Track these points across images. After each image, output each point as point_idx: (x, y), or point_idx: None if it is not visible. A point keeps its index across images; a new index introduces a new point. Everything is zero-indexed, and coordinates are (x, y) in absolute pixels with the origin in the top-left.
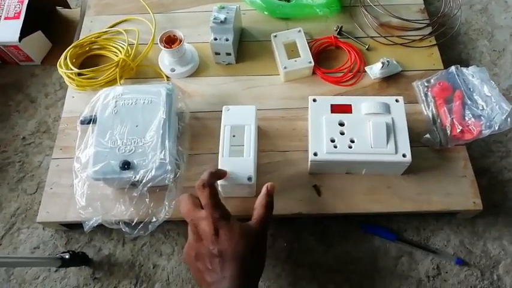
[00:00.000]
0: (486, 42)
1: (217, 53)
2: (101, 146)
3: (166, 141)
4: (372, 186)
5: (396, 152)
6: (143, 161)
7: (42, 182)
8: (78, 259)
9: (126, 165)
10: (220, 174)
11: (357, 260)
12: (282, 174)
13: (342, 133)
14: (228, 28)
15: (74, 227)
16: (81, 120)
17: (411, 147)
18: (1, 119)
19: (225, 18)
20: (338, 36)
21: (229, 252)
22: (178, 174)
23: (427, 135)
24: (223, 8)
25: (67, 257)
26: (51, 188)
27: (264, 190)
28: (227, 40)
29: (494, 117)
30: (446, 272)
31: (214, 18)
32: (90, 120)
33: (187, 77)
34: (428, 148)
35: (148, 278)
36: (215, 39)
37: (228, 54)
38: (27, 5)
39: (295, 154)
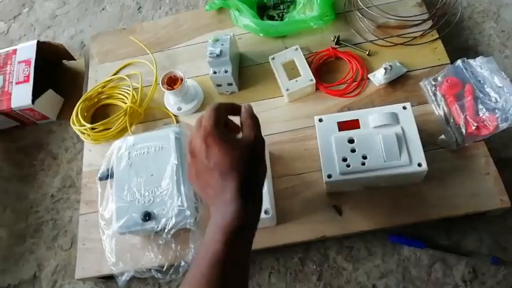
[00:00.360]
0: (493, 24)
1: (219, 85)
2: (120, 200)
3: (182, 187)
4: (393, 197)
5: (411, 163)
6: (163, 210)
7: (76, 236)
8: None
9: (148, 216)
10: (235, 109)
11: (389, 273)
12: (301, 198)
13: (353, 150)
14: (225, 60)
15: (112, 277)
16: (99, 177)
17: (426, 150)
18: (29, 180)
19: (221, 51)
20: (336, 46)
21: (225, 163)
22: (198, 216)
23: (442, 136)
24: (217, 40)
25: None
26: (83, 244)
27: (244, 114)
28: (226, 72)
29: (509, 109)
30: (483, 274)
31: (210, 53)
32: (107, 176)
33: (194, 112)
34: (445, 149)
35: None
36: (214, 72)
37: (230, 84)
38: (35, 66)
39: (311, 175)
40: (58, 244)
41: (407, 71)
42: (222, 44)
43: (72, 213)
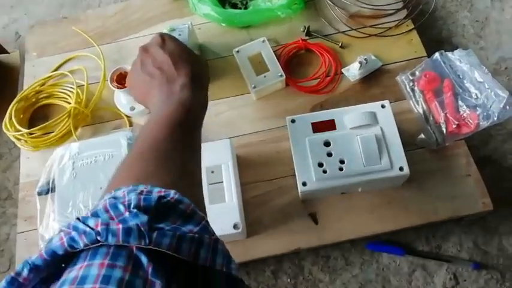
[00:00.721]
0: (467, 13)
1: None
2: (64, 219)
3: None
4: (371, 203)
5: (392, 167)
6: None
7: (14, 256)
8: None
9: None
10: None
11: (367, 283)
12: (273, 206)
13: (330, 154)
14: None
15: None
16: (38, 192)
17: (405, 151)
18: None
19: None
20: (307, 38)
21: (178, 52)
22: None
23: (422, 136)
24: (173, 30)
25: None
26: None
27: None
28: None
29: (491, 106)
30: (465, 280)
31: None
32: (48, 190)
33: (149, 113)
34: (425, 149)
35: None
36: None
37: None
38: None
39: (284, 181)
40: None
41: (382, 65)
42: (180, 34)
43: (9, 230)
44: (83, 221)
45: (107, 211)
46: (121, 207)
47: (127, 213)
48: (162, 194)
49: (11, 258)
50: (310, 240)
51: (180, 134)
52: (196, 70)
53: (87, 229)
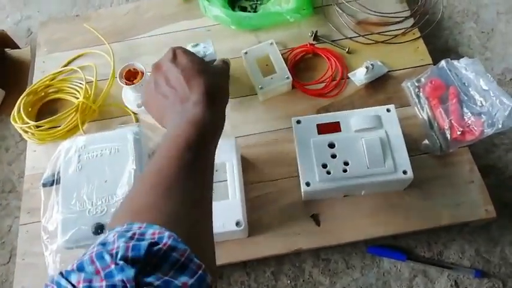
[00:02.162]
0: (473, 24)
1: None
2: (68, 210)
3: None
4: (373, 207)
5: (395, 170)
6: None
7: (15, 249)
8: None
9: (100, 229)
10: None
11: (368, 287)
12: (275, 207)
13: (334, 156)
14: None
15: None
16: (42, 183)
17: (410, 155)
18: None
19: (205, 55)
20: (314, 43)
21: (191, 67)
22: None
23: (426, 141)
24: (197, 45)
25: None
26: (23, 259)
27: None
28: None
29: (495, 114)
30: None
31: None
32: (52, 182)
33: None
34: (428, 155)
35: None
36: None
37: None
38: None
39: (286, 182)
40: None
41: (388, 71)
42: (205, 47)
43: (11, 222)
44: (66, 276)
45: (92, 262)
46: (107, 258)
47: (113, 266)
48: (155, 238)
49: (11, 250)
50: (312, 241)
51: (189, 157)
52: (212, 85)
53: (69, 286)
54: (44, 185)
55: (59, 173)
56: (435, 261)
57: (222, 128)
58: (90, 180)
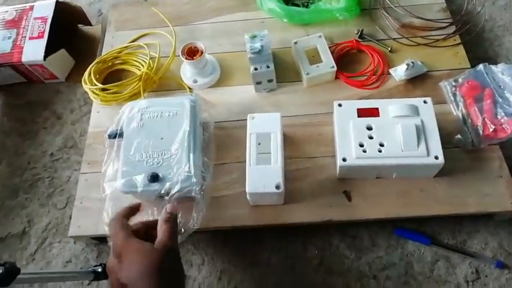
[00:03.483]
0: None
1: (258, 83)
2: (127, 160)
3: (191, 154)
4: (403, 190)
5: (428, 154)
6: (169, 174)
7: (72, 196)
8: None
9: (154, 178)
10: (133, 209)
11: (391, 266)
12: (310, 181)
13: (371, 137)
14: (266, 55)
15: (105, 240)
16: (108, 135)
17: (442, 147)
18: (29, 137)
19: (262, 46)
20: (359, 40)
21: (135, 275)
22: (204, 186)
23: (458, 136)
24: (255, 36)
25: (99, 270)
26: (81, 203)
27: (162, 216)
28: (268, 67)
29: None
30: (486, 276)
31: (251, 49)
32: (116, 134)
33: (209, 87)
34: (460, 149)
35: None
36: (255, 69)
37: (270, 81)
38: (51, 24)
39: (323, 160)
40: (52, 202)
41: (427, 71)
42: (262, 39)
43: (70, 174)
44: None
45: None
46: None
47: None
48: None
49: (68, 197)
50: (342, 214)
51: None
52: (159, 284)
53: None
54: (109, 137)
55: (121, 127)
56: (458, 248)
57: None
58: (149, 136)
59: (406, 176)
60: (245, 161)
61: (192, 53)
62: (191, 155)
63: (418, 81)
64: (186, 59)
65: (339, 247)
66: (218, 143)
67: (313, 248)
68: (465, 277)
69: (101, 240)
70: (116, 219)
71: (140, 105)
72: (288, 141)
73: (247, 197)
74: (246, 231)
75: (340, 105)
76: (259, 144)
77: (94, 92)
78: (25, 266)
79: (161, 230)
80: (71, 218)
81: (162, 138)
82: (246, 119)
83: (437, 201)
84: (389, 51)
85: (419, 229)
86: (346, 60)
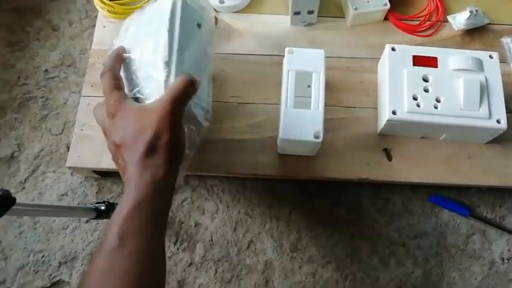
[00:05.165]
0: None
1: (296, 13)
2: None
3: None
4: (450, 154)
5: (490, 117)
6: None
7: (69, 122)
8: (113, 211)
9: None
10: (120, 52)
11: (423, 235)
12: (347, 134)
13: (426, 90)
14: None
15: (107, 174)
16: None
17: None
18: (20, 47)
19: None
20: None
21: (128, 137)
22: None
23: None
24: None
25: (103, 208)
26: (81, 130)
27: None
28: None
29: None
30: None
31: None
32: None
33: (238, 12)
34: None
35: (189, 237)
36: None
37: (311, 12)
38: None
39: (362, 111)
40: (46, 126)
41: (488, 23)
42: None
43: (68, 96)
44: None
45: None
46: None
47: None
48: None
49: (65, 123)
50: (380, 174)
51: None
52: (152, 150)
53: None
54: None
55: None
56: (496, 223)
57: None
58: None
59: (456, 139)
60: (275, 103)
61: None
62: (173, 62)
63: (477, 34)
64: None
65: (369, 210)
66: (243, 79)
67: (340, 208)
68: (501, 254)
69: (103, 174)
70: (108, 75)
71: (132, 18)
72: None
73: (278, 143)
74: (267, 180)
75: (393, 49)
76: (297, 84)
77: (101, 1)
78: (14, 194)
79: (176, 85)
80: (68, 147)
81: (143, 49)
82: (277, 54)
83: (486, 170)
84: None
85: (456, 199)
86: (398, 0)
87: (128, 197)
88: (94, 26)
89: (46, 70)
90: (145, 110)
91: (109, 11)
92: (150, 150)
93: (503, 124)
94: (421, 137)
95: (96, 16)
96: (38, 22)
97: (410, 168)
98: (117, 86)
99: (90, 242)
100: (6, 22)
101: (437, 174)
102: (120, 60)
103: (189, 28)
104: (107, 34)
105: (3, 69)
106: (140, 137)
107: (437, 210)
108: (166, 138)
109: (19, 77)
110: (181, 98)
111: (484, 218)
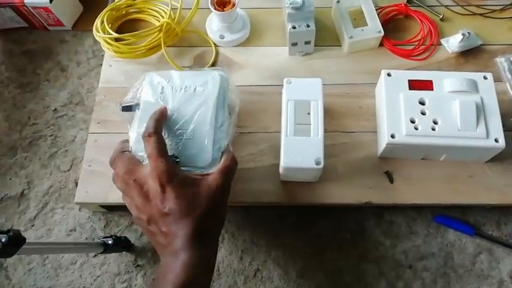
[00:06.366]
0: None
1: (294, 44)
2: (140, 135)
3: (213, 137)
4: (451, 174)
5: (487, 136)
6: (186, 158)
7: (77, 158)
8: (120, 244)
9: (175, 159)
10: (164, 114)
11: (429, 256)
12: (348, 158)
13: (423, 113)
14: (308, 12)
15: (114, 209)
16: (122, 107)
17: None
18: (30, 88)
19: (304, 2)
20: (408, 4)
21: (180, 209)
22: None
23: None
24: None
25: (110, 242)
26: (89, 166)
27: (225, 155)
28: (308, 27)
29: None
30: None
31: (291, 3)
32: (131, 107)
33: (237, 45)
34: None
35: None
36: (293, 27)
37: (308, 42)
38: None
39: (362, 136)
40: (55, 164)
41: (482, 44)
42: None
43: (76, 133)
44: None
45: None
46: None
47: None
48: None
49: (73, 159)
50: (383, 197)
51: None
52: (201, 224)
53: None
54: (123, 109)
55: (139, 98)
56: (503, 241)
57: (213, 268)
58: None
59: (456, 159)
60: (276, 131)
61: (222, 4)
62: (213, 137)
63: (471, 55)
64: (215, 9)
65: (373, 232)
66: (244, 109)
67: (345, 232)
68: (509, 272)
69: (110, 208)
70: (155, 140)
71: (163, 75)
72: (324, 112)
73: (280, 171)
74: (271, 208)
75: (389, 74)
76: (296, 113)
77: (107, 42)
78: (23, 232)
79: (223, 163)
80: (76, 182)
81: (183, 116)
82: (276, 85)
83: (487, 189)
84: (441, 19)
85: (461, 218)
86: (392, 27)
87: (177, 271)
88: (101, 65)
89: (55, 109)
90: (198, 184)
91: (115, 51)
92: (201, 229)
93: (501, 143)
94: (422, 158)
95: (102, 55)
96: (48, 64)
97: (412, 190)
98: (166, 151)
99: (98, 277)
100: (18, 65)
101: (439, 195)
102: (164, 122)
103: (224, 103)
104: (114, 73)
105: (15, 110)
106: (191, 213)
107: (442, 230)
108: (217, 216)
109: (29, 117)
110: (231, 174)
111: (490, 236)
